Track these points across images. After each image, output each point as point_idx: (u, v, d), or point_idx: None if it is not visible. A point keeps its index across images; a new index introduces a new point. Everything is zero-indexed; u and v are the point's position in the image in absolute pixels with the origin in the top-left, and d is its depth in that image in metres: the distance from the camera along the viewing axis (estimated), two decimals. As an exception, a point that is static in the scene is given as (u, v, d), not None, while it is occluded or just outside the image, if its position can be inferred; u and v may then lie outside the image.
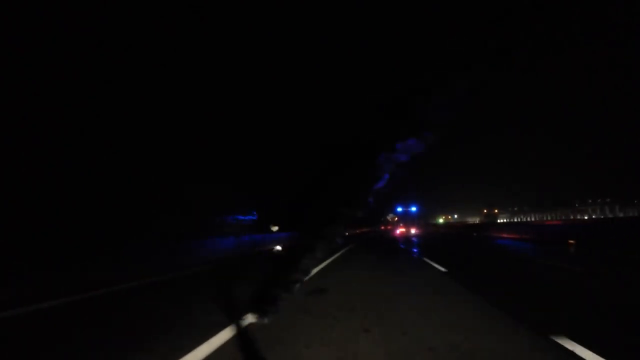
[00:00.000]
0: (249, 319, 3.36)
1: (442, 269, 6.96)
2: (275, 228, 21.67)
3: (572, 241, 11.40)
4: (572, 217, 71.95)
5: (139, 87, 13.26)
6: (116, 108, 12.06)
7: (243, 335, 2.92)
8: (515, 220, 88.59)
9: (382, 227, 45.85)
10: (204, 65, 18.01)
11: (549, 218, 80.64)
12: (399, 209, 36.87)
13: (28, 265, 5.39)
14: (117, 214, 10.64)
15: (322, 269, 7.44)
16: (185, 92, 16.09)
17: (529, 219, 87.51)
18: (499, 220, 77.25)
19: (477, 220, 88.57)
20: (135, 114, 12.74)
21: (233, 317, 3.41)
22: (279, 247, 13.01)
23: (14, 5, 10.31)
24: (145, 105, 13.32)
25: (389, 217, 48.09)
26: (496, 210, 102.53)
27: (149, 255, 7.70)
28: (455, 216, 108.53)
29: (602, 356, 2.38)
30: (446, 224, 69.78)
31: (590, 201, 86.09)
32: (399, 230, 33.83)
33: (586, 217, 68.06)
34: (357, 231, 41.04)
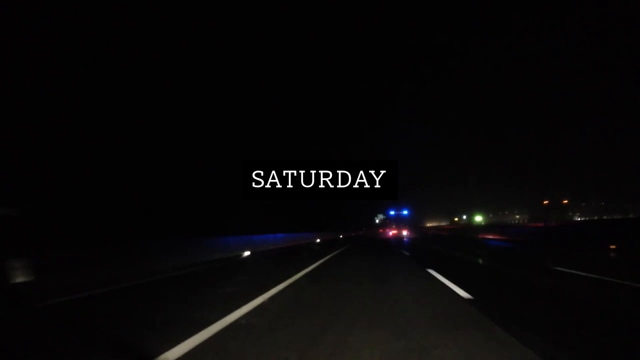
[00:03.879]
0: (240, 312, 3.54)
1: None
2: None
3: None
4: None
5: (139, 87, 13.37)
6: (117, 108, 12.18)
7: (232, 330, 2.99)
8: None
9: (380, 230, 46.39)
10: (204, 65, 18.18)
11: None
12: (392, 212, 37.69)
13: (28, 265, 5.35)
14: (114, 212, 10.74)
15: (318, 266, 7.69)
16: (186, 92, 16.23)
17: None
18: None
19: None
20: (136, 114, 12.87)
21: (226, 311, 3.53)
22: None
23: (14, 5, 10.38)
24: (146, 104, 13.45)
25: (382, 218, 48.42)
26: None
27: (150, 254, 7.68)
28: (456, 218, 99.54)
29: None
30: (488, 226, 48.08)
31: (583, 204, 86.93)
32: (391, 232, 35.52)
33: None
34: (352, 234, 41.52)
